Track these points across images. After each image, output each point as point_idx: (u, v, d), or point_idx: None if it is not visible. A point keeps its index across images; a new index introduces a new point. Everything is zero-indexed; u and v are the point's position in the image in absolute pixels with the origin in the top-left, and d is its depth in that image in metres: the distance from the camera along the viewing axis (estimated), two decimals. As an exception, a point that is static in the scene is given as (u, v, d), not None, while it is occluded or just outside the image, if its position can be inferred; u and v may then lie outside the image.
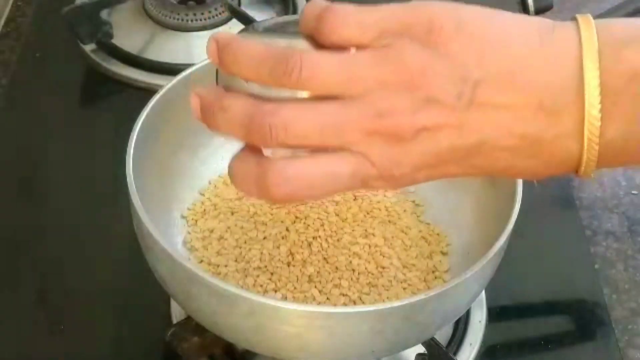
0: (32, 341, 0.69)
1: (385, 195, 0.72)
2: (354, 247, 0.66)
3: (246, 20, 0.91)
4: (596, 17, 0.45)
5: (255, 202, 0.69)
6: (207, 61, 0.69)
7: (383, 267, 0.65)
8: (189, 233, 0.68)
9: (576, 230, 0.80)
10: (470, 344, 0.69)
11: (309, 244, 0.66)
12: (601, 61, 0.41)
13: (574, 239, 0.79)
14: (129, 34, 0.94)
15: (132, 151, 0.61)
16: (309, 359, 0.58)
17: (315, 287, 0.63)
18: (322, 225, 0.67)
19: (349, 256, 0.65)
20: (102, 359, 0.68)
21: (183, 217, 0.69)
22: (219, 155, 0.73)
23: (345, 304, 0.63)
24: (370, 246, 0.66)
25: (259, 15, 0.94)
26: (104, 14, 0.93)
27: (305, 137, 0.42)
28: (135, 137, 0.62)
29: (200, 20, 0.94)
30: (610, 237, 0.82)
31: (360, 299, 0.63)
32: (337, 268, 0.65)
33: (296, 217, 0.68)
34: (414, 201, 0.72)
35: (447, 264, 0.68)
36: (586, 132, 0.42)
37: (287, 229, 0.67)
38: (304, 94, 0.42)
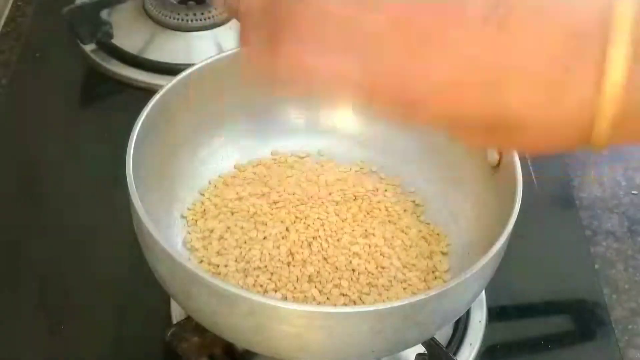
0: (32, 341, 0.69)
1: (385, 195, 0.72)
2: (354, 247, 0.66)
3: (246, 20, 0.91)
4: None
5: (255, 202, 0.69)
6: (207, 61, 0.69)
7: (383, 267, 0.65)
8: (189, 233, 0.68)
9: (576, 230, 0.80)
10: (470, 344, 0.69)
11: (309, 244, 0.66)
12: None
13: (574, 239, 0.79)
14: (129, 34, 0.94)
15: (132, 151, 0.61)
16: (309, 359, 0.58)
17: (315, 287, 0.63)
18: (322, 225, 0.67)
19: (349, 256, 0.65)
20: (102, 359, 0.68)
21: (183, 217, 0.69)
22: (219, 155, 0.73)
23: (345, 304, 0.63)
24: (370, 246, 0.66)
25: (259, 15, 0.94)
26: (104, 14, 0.93)
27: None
28: (135, 137, 0.62)
29: (201, 20, 0.94)
30: (610, 237, 0.82)
31: (360, 299, 0.63)
32: (337, 268, 0.65)
33: (296, 217, 0.68)
34: (414, 201, 0.72)
35: (447, 264, 0.68)
36: (608, 81, 0.39)
37: (287, 229, 0.67)
38: None
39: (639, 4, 0.39)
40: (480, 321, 0.71)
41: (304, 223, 0.67)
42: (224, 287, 0.54)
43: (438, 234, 0.70)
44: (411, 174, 0.74)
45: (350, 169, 0.74)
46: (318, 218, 0.68)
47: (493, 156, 0.66)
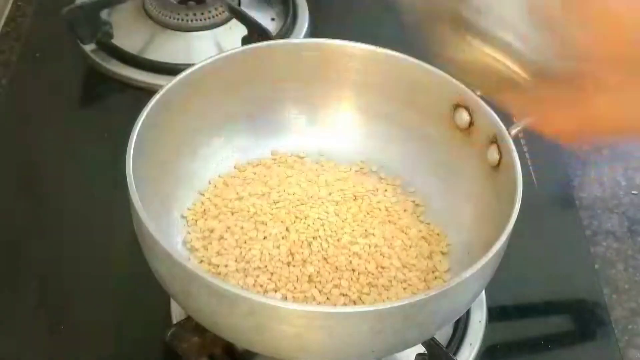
0: (32, 341, 0.69)
1: (385, 195, 0.72)
2: (354, 247, 0.66)
3: (246, 21, 0.91)
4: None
5: (255, 202, 0.69)
6: (207, 61, 0.69)
7: (383, 267, 0.65)
8: (189, 233, 0.68)
9: (576, 230, 0.80)
10: (470, 344, 0.69)
11: (309, 244, 0.66)
12: None
13: (574, 239, 0.79)
14: (129, 34, 0.94)
15: (132, 151, 0.61)
16: (309, 359, 0.58)
17: (315, 287, 0.63)
18: (322, 225, 0.67)
19: (349, 256, 0.65)
20: (102, 359, 0.68)
21: (183, 217, 0.69)
22: (219, 155, 0.73)
23: (345, 304, 0.63)
24: (370, 246, 0.66)
25: (259, 15, 0.94)
26: (104, 14, 0.93)
27: None
28: (135, 137, 0.62)
29: (201, 20, 0.94)
30: (610, 237, 0.82)
31: (360, 299, 0.63)
32: (337, 268, 0.65)
33: (296, 217, 0.68)
34: (414, 201, 0.72)
35: (447, 264, 0.68)
36: None
37: (287, 229, 0.67)
38: None
39: None
40: (480, 321, 0.71)
41: (304, 223, 0.67)
42: (224, 287, 0.54)
43: (438, 234, 0.70)
44: (411, 174, 0.74)
45: (350, 169, 0.74)
46: (318, 218, 0.68)
47: (493, 156, 0.66)
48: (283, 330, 0.55)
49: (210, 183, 0.72)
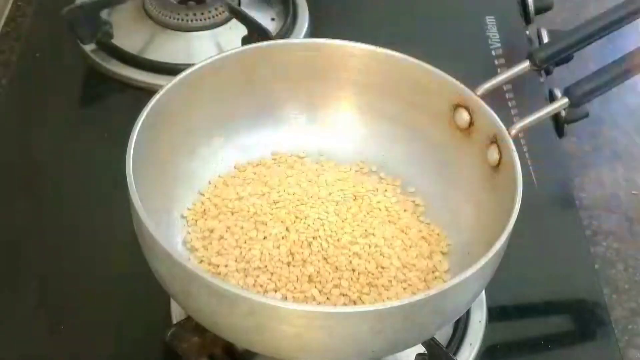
0: (32, 341, 0.69)
1: (385, 196, 0.72)
2: (354, 247, 0.66)
3: (246, 21, 0.91)
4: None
5: (255, 202, 0.69)
6: (207, 61, 0.69)
7: (383, 267, 0.65)
8: (189, 233, 0.68)
9: (576, 230, 0.80)
10: (470, 344, 0.69)
11: (309, 244, 0.66)
12: None
13: (574, 239, 0.79)
14: (129, 34, 0.94)
15: (132, 151, 0.61)
16: (309, 358, 0.58)
17: (315, 287, 0.63)
18: (322, 225, 0.67)
19: (349, 256, 0.65)
20: (102, 359, 0.68)
21: (183, 217, 0.69)
22: (219, 155, 0.73)
23: (345, 304, 0.63)
24: (370, 246, 0.66)
25: (259, 15, 0.94)
26: (104, 13, 0.93)
27: None
28: (135, 137, 0.62)
29: (201, 20, 0.94)
30: (610, 237, 0.82)
31: (360, 299, 0.63)
32: (337, 268, 0.65)
33: (296, 217, 0.68)
34: (414, 201, 0.72)
35: (447, 264, 0.68)
36: None
37: (287, 229, 0.67)
38: None
39: None
40: (480, 321, 0.71)
41: (304, 223, 0.67)
42: (224, 287, 0.54)
43: (438, 234, 0.70)
44: (411, 174, 0.74)
45: (350, 169, 0.74)
46: (318, 218, 0.68)
47: (493, 156, 0.66)
48: (283, 330, 0.55)
49: (210, 183, 0.72)
